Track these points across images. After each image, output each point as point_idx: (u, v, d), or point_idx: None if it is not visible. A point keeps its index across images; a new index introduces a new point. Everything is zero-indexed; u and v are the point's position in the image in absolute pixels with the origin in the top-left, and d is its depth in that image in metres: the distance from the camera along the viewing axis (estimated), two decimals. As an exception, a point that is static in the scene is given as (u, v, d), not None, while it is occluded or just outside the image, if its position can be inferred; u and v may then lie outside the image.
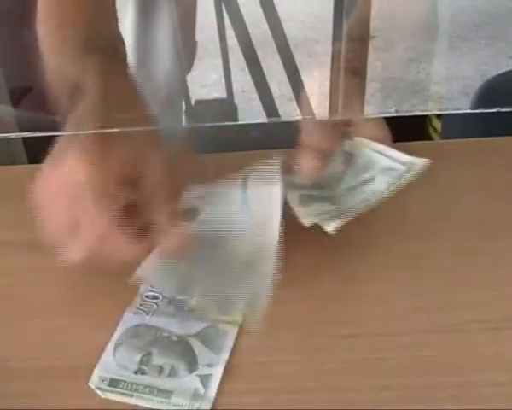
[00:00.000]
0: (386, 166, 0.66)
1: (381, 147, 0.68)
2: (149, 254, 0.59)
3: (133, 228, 0.57)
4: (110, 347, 0.58)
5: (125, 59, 0.69)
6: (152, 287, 0.64)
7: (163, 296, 0.63)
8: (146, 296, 0.63)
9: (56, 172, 0.58)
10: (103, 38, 0.67)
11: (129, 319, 0.61)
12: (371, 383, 0.57)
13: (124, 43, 0.70)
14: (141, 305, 0.62)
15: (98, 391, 0.55)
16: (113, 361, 0.57)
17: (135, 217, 0.58)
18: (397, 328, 0.61)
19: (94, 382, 0.56)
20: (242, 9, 0.72)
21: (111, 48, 0.67)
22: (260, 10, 0.72)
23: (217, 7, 0.72)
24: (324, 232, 0.65)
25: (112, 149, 0.58)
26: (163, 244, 0.59)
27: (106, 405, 0.55)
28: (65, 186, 0.57)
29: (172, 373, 0.56)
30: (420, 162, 0.66)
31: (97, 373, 0.56)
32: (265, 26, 0.77)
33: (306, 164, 0.64)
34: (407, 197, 0.75)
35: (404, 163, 0.66)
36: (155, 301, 0.63)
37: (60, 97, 0.64)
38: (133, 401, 0.54)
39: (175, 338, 0.59)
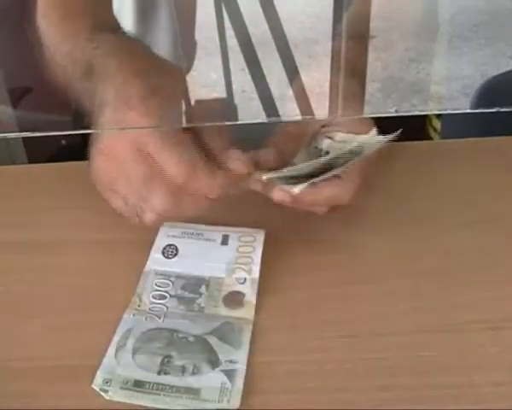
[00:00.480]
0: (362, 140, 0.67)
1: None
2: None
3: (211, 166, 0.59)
4: (112, 348, 0.58)
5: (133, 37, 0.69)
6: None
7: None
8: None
9: (120, 136, 0.59)
10: (107, 27, 0.68)
11: (128, 320, 0.61)
12: (371, 383, 0.57)
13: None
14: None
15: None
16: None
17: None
18: (397, 328, 0.61)
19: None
20: (242, 9, 0.73)
21: (117, 32, 0.67)
22: (260, 10, 0.72)
23: (216, 7, 0.72)
24: (323, 233, 0.66)
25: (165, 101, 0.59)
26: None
27: (108, 405, 0.55)
28: (133, 146, 0.58)
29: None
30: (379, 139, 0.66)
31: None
32: (265, 26, 0.77)
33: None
34: (407, 196, 0.75)
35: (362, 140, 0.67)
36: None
37: (72, 83, 0.64)
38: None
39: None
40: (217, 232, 0.69)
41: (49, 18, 0.70)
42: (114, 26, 0.70)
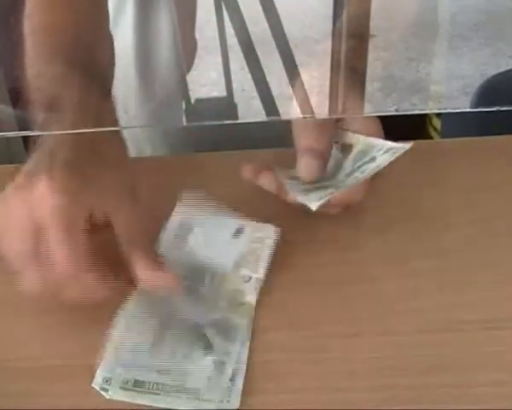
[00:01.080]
0: (388, 146, 0.66)
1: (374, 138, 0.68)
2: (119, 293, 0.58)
3: (102, 267, 0.56)
4: (111, 346, 0.58)
5: (106, 74, 0.67)
6: None
7: None
8: None
9: (23, 197, 0.56)
10: (88, 47, 0.65)
11: (128, 312, 0.60)
12: (371, 382, 0.57)
13: (110, 50, 0.68)
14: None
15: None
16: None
17: (103, 256, 0.56)
18: (397, 327, 0.61)
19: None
20: (242, 8, 0.72)
21: (93, 61, 0.65)
22: (260, 9, 0.72)
23: (216, 6, 0.72)
24: (322, 232, 0.66)
25: (83, 184, 0.56)
26: (144, 282, 0.58)
27: (107, 404, 0.55)
28: (30, 214, 0.55)
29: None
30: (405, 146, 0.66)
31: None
32: (265, 24, 0.77)
33: (305, 167, 0.64)
34: (406, 196, 0.75)
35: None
36: None
37: (34, 103, 0.61)
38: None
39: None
40: (233, 220, 0.68)
41: (31, 22, 0.67)
42: (97, 46, 0.67)
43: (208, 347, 0.58)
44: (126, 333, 0.59)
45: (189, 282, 0.63)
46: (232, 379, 0.56)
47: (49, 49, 0.65)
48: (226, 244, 0.67)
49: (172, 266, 0.63)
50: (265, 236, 0.66)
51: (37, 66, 0.64)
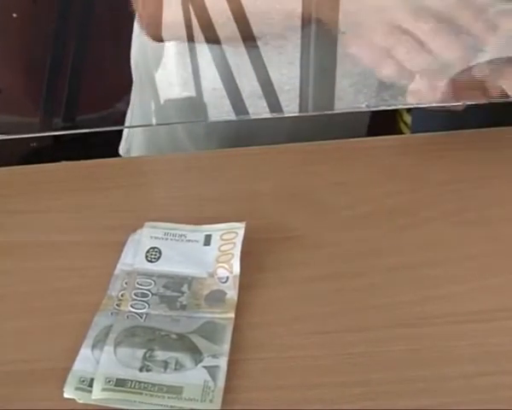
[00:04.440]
0: None
1: None
2: None
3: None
4: (86, 349, 0.58)
5: None
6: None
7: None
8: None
9: None
10: None
11: (108, 318, 0.60)
12: (346, 379, 0.57)
13: None
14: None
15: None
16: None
17: None
18: (370, 323, 0.61)
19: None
20: (209, 7, 0.72)
21: None
22: (227, 6, 0.72)
23: (184, 5, 0.72)
24: (296, 230, 0.65)
25: None
26: None
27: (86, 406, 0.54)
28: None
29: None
30: None
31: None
32: (233, 24, 0.76)
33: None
34: (379, 192, 0.75)
35: None
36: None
37: None
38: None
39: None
40: (199, 232, 0.68)
41: None
42: None
43: (197, 354, 0.57)
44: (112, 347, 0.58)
45: (166, 294, 0.63)
46: (214, 379, 0.55)
47: None
48: (198, 254, 0.67)
49: (147, 282, 0.63)
50: (234, 235, 0.66)
51: None
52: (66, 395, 0.55)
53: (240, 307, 0.63)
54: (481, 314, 0.61)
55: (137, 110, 0.97)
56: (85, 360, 0.57)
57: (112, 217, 0.73)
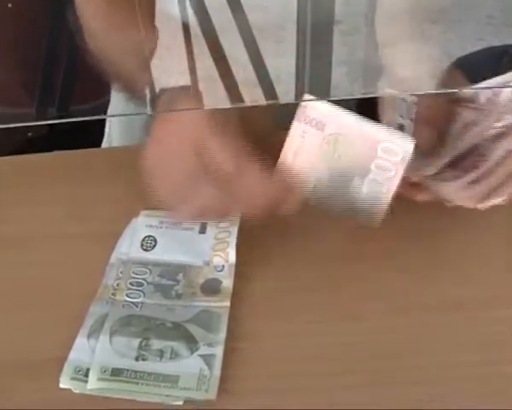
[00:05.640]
0: None
1: None
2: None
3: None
4: (82, 339, 0.58)
5: None
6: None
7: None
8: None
9: (170, 136, 0.62)
10: None
11: (103, 307, 0.60)
12: (340, 367, 0.57)
13: None
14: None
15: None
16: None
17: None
18: (365, 311, 0.62)
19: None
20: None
21: None
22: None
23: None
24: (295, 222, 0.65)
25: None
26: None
27: (77, 399, 0.54)
28: (179, 149, 0.60)
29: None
30: None
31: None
32: (229, 13, 0.76)
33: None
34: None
35: None
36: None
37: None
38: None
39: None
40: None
41: None
42: None
43: (193, 343, 0.57)
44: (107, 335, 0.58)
45: (161, 283, 0.63)
46: (210, 368, 0.55)
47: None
48: (194, 242, 0.66)
49: (142, 270, 0.63)
50: (230, 224, 0.66)
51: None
52: (61, 386, 0.55)
53: (239, 297, 0.63)
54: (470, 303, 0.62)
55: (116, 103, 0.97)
56: (81, 350, 0.57)
57: (107, 207, 0.72)
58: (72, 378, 0.55)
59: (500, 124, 0.64)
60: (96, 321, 0.59)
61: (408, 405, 0.54)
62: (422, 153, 0.64)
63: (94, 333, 0.58)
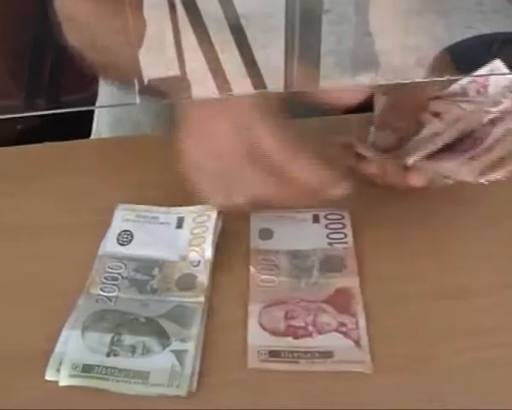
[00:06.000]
0: None
1: None
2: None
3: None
4: (66, 332, 0.58)
5: None
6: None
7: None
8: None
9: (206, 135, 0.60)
10: None
11: (84, 306, 0.60)
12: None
13: None
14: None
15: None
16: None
17: None
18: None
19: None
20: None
21: None
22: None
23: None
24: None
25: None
26: None
27: (62, 392, 0.54)
28: (223, 140, 0.59)
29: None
30: None
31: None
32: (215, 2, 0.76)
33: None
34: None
35: None
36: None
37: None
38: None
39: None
40: (172, 215, 0.68)
41: None
42: None
43: (165, 338, 0.57)
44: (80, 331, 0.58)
45: (137, 278, 0.63)
46: (182, 363, 0.55)
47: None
48: (170, 237, 0.66)
49: (117, 266, 0.63)
50: (206, 218, 0.66)
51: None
52: (47, 378, 0.54)
53: (221, 288, 0.63)
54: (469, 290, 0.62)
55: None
56: (60, 349, 0.57)
57: (96, 198, 0.72)
58: (58, 371, 0.55)
59: (495, 109, 0.64)
60: (74, 318, 0.59)
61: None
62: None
63: (71, 329, 0.58)
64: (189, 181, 0.61)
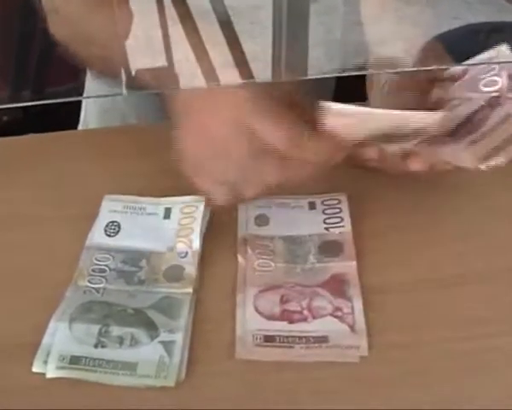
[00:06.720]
0: None
1: None
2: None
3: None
4: (52, 327, 0.57)
5: None
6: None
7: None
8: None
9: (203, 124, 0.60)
10: None
11: (72, 297, 0.60)
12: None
13: None
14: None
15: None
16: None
17: None
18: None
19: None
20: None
21: None
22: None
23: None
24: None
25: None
26: None
27: (49, 384, 0.54)
28: (225, 132, 0.59)
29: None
30: None
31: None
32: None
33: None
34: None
35: None
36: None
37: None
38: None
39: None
40: (160, 205, 0.68)
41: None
42: None
43: (153, 329, 0.57)
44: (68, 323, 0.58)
45: (124, 269, 0.63)
46: (170, 354, 0.55)
47: None
48: (158, 228, 0.66)
49: (105, 257, 0.63)
50: (194, 209, 0.66)
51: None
52: (34, 370, 0.54)
53: (210, 280, 0.62)
54: (457, 278, 0.62)
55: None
56: (47, 341, 0.56)
57: (84, 189, 0.72)
58: (46, 363, 0.54)
59: (491, 89, 0.64)
60: (62, 310, 0.59)
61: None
62: None
63: (59, 321, 0.58)
64: (194, 182, 0.62)
